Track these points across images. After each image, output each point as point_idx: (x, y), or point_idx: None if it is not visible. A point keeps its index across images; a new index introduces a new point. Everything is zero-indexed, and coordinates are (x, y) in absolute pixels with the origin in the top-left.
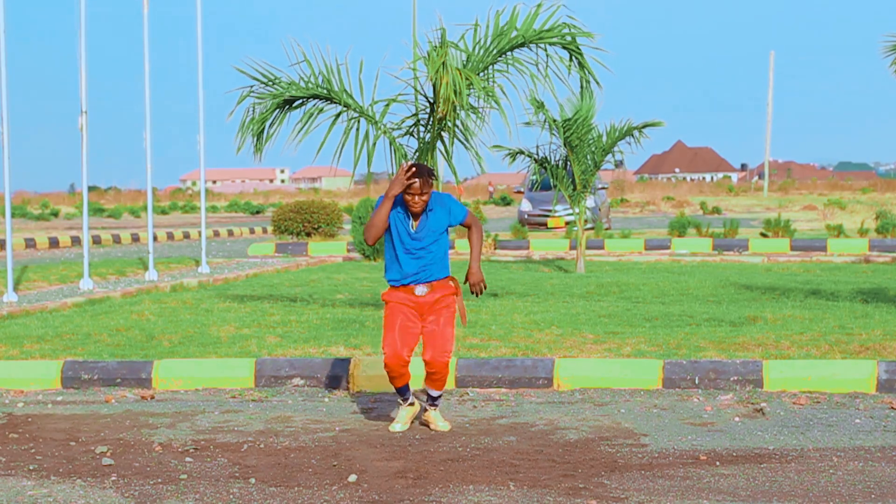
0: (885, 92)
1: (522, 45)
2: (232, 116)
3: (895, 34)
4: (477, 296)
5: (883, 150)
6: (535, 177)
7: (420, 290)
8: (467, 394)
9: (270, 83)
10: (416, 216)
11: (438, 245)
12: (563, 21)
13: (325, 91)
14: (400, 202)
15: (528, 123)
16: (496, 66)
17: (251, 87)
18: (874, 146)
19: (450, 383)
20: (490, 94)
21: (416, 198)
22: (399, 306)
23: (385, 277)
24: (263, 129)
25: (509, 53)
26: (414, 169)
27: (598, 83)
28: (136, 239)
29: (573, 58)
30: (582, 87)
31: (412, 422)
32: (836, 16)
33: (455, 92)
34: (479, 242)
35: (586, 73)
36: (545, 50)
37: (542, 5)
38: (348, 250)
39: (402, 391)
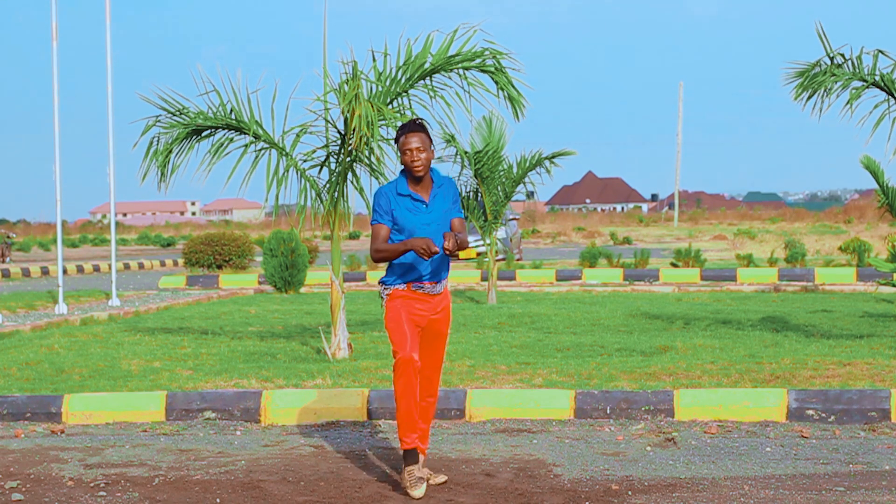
0: (793, 123)
1: (434, 72)
2: (137, 147)
3: (796, 62)
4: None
5: (792, 180)
6: None
7: (434, 287)
8: (379, 426)
9: (178, 113)
10: (423, 189)
11: (447, 228)
12: (480, 47)
13: (234, 121)
14: (402, 190)
15: (439, 159)
16: (413, 93)
17: (157, 116)
18: (783, 176)
19: (361, 415)
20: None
21: (415, 153)
22: (404, 305)
23: (385, 281)
24: (168, 160)
25: (426, 80)
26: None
27: (521, 98)
28: (45, 272)
29: (495, 80)
30: (513, 105)
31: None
32: (744, 48)
33: (367, 124)
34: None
35: (507, 91)
36: (464, 76)
37: (457, 31)
38: (259, 282)
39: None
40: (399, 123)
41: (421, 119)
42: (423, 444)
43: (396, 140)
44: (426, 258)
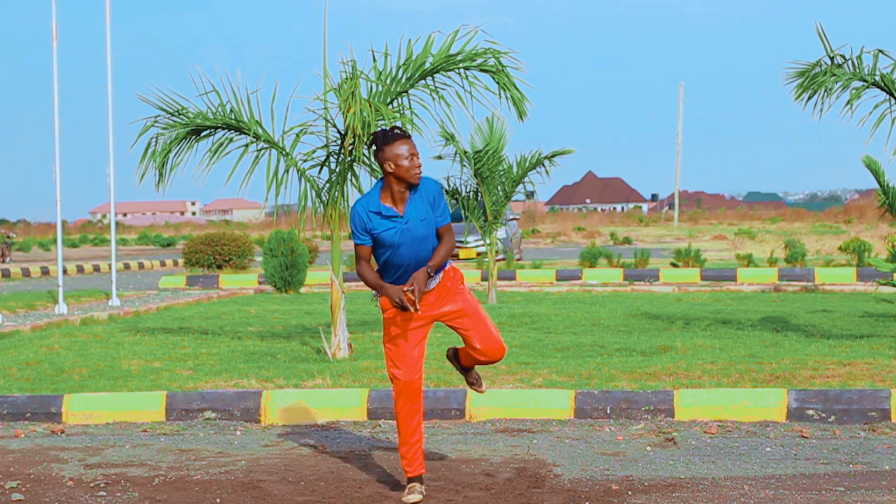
0: (793, 123)
1: (435, 71)
2: (135, 147)
3: (796, 62)
4: (398, 301)
5: (792, 180)
6: None
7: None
8: (379, 426)
9: (177, 113)
10: (400, 200)
11: (430, 234)
12: (482, 47)
13: (234, 121)
14: (373, 206)
15: (439, 157)
16: (413, 93)
17: (156, 117)
18: (783, 176)
19: (361, 415)
20: (404, 123)
21: (415, 159)
22: (396, 319)
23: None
24: (167, 160)
25: (427, 80)
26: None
27: (524, 98)
28: (45, 272)
29: (497, 81)
30: (516, 105)
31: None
32: (744, 48)
33: (363, 123)
34: (445, 254)
35: (510, 92)
36: (465, 77)
37: (458, 31)
38: (259, 282)
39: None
40: (399, 124)
41: (399, 127)
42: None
43: (380, 149)
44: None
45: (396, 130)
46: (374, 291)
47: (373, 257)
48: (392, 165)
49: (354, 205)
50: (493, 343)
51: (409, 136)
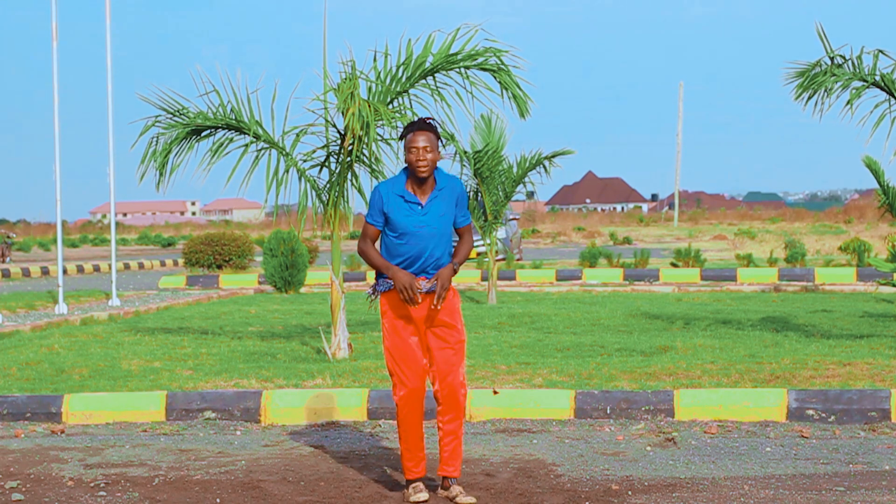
0: (793, 123)
1: (435, 71)
2: (136, 147)
3: (796, 62)
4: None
5: (792, 180)
6: None
7: (423, 283)
8: (379, 426)
9: (177, 113)
10: (422, 190)
11: (445, 231)
12: (482, 46)
13: (234, 121)
14: (398, 189)
15: None
16: (413, 93)
17: (157, 117)
18: (783, 176)
19: (361, 415)
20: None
21: (421, 152)
22: (398, 321)
23: (378, 286)
24: (167, 160)
25: (427, 80)
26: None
27: (526, 97)
28: (45, 272)
29: (498, 80)
30: (518, 103)
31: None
32: (744, 48)
33: (362, 124)
34: (466, 252)
35: (511, 90)
36: (465, 76)
37: (458, 30)
38: (259, 282)
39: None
40: (399, 123)
41: (431, 118)
42: (451, 467)
43: (402, 137)
44: (404, 299)
45: (423, 120)
46: (369, 290)
47: (383, 244)
48: (405, 155)
49: (379, 185)
50: (457, 376)
51: (426, 129)
